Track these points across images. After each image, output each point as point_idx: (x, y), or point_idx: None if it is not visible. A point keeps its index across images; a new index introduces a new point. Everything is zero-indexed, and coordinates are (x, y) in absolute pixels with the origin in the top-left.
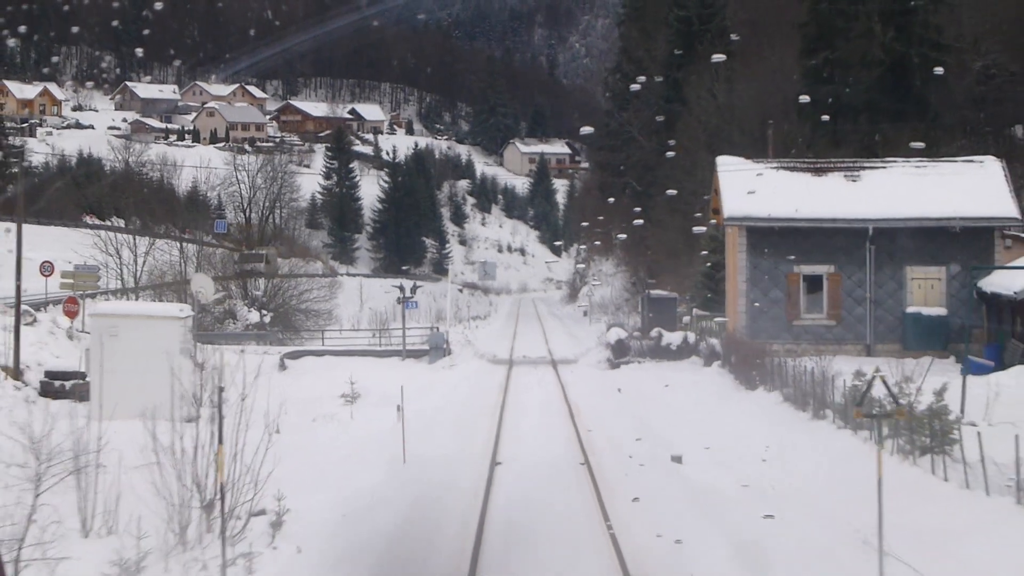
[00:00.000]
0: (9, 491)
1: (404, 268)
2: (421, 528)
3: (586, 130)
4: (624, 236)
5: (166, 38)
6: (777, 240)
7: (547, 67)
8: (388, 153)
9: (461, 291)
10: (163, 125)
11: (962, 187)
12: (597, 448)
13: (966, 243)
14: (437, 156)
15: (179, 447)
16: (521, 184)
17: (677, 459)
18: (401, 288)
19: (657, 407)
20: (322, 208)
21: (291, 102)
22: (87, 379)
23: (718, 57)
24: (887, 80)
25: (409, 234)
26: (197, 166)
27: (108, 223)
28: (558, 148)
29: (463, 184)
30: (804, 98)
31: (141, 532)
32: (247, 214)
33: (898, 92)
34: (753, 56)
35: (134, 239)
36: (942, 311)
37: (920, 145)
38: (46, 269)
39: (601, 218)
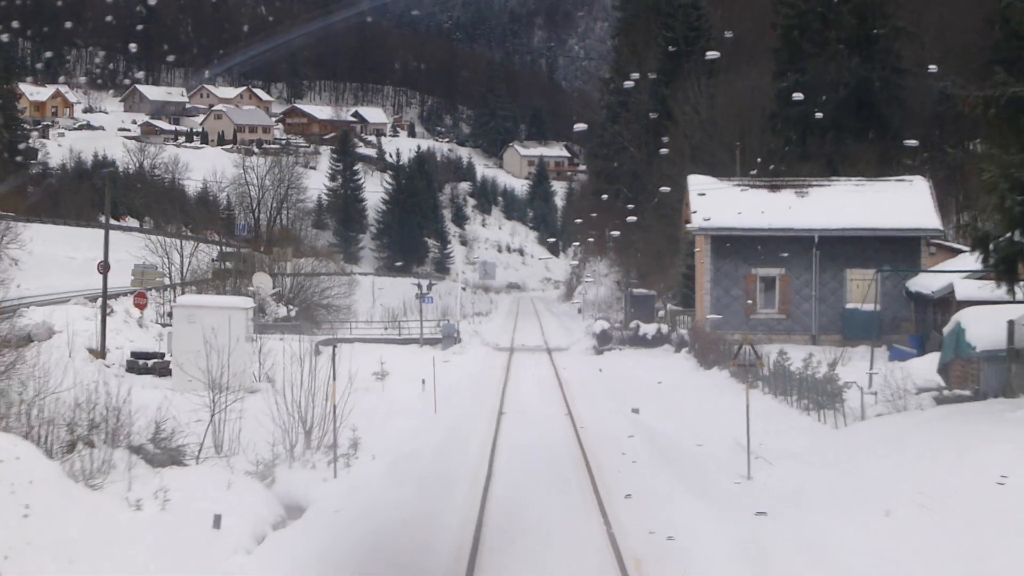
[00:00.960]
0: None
1: (416, 268)
2: (453, 446)
3: (580, 127)
4: (616, 233)
5: (174, 41)
6: (737, 247)
7: (546, 70)
8: (391, 156)
9: (464, 289)
10: (172, 127)
11: (894, 203)
12: (578, 407)
13: (897, 249)
14: (439, 159)
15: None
16: (520, 186)
17: (636, 411)
18: (419, 286)
19: (629, 382)
20: (328, 209)
21: (296, 105)
22: (165, 358)
23: (712, 54)
24: (852, 101)
25: (412, 234)
26: (213, 173)
27: (121, 223)
28: (556, 151)
29: (464, 186)
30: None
31: (257, 452)
32: (256, 214)
33: (862, 112)
34: (733, 76)
35: (181, 243)
36: (876, 307)
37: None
38: (102, 267)
39: (595, 215)
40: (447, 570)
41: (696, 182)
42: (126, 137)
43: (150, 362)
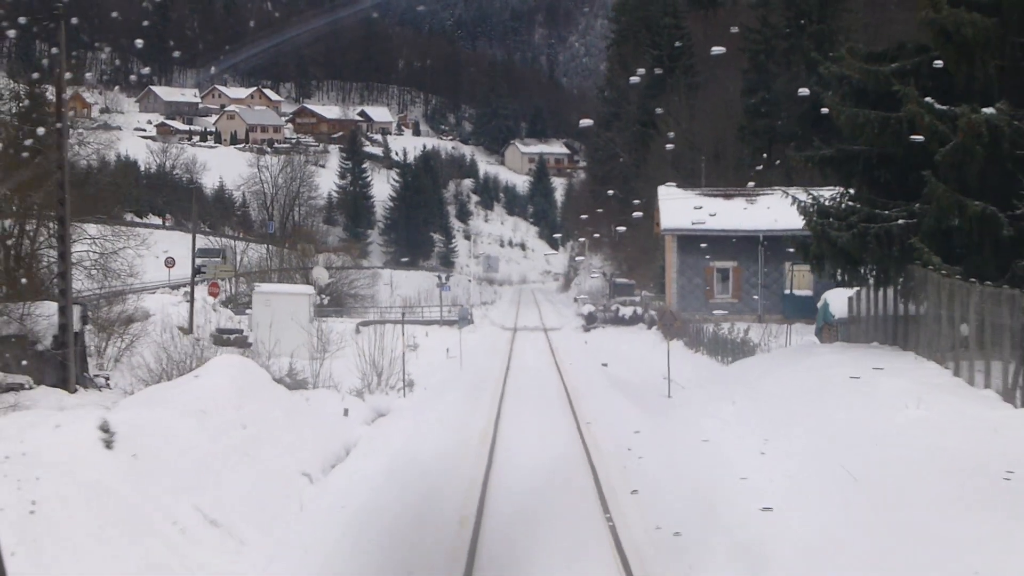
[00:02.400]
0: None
1: (422, 262)
2: (478, 386)
3: (585, 122)
4: (623, 229)
5: (182, 40)
6: (698, 244)
7: (547, 67)
8: (397, 154)
9: (470, 281)
10: (187, 127)
11: None
12: (565, 366)
13: None
14: (443, 157)
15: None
16: (521, 182)
17: (604, 365)
18: (439, 277)
19: (606, 350)
20: (338, 205)
21: (306, 105)
22: (244, 334)
23: (718, 49)
24: (809, 116)
25: (418, 230)
26: (229, 172)
27: (145, 220)
28: (557, 148)
29: (467, 183)
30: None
31: (349, 386)
32: (269, 212)
33: (819, 126)
34: (711, 90)
35: (234, 242)
36: (809, 292)
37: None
38: (169, 262)
39: (589, 215)
40: (487, 418)
41: (665, 192)
42: (142, 137)
43: (232, 336)
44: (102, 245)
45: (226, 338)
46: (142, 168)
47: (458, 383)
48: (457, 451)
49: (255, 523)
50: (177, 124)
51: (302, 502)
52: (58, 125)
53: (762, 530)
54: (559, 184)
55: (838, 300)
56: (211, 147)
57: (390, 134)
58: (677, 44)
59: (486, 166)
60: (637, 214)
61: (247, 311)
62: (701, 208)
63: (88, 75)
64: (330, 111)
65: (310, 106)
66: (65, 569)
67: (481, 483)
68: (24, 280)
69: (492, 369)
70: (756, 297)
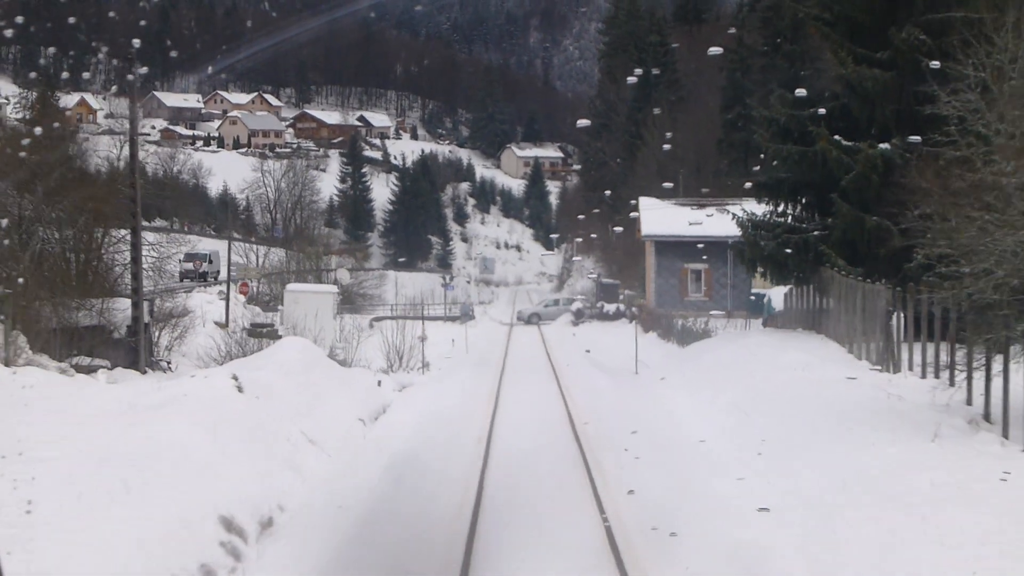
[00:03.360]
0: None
1: (420, 264)
2: (482, 365)
3: (582, 122)
4: (618, 229)
5: (182, 44)
6: (673, 248)
7: (542, 71)
8: (396, 158)
9: (469, 283)
10: (190, 132)
11: None
12: (553, 352)
13: None
14: (440, 160)
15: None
16: (517, 186)
17: (588, 351)
18: (444, 278)
19: (590, 340)
20: (338, 209)
21: (306, 111)
22: (274, 327)
23: (715, 50)
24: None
25: (417, 232)
26: (232, 176)
27: (151, 224)
28: (551, 152)
29: (464, 186)
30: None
31: (376, 366)
32: (273, 215)
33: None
34: (694, 104)
35: (256, 247)
36: (769, 291)
37: None
38: (198, 264)
39: (581, 220)
40: (491, 386)
41: (645, 202)
42: (147, 141)
43: (264, 329)
44: (159, 250)
45: (259, 331)
46: (150, 173)
47: (466, 364)
48: (470, 406)
49: (335, 445)
50: (180, 129)
51: (363, 435)
52: (128, 145)
53: (695, 450)
54: (553, 187)
55: (777, 296)
56: (214, 151)
57: (388, 138)
58: (656, 71)
59: (482, 170)
60: (618, 228)
61: (278, 308)
62: (696, 214)
63: (85, 74)
64: (330, 116)
65: (310, 111)
66: (232, 461)
67: (489, 421)
68: (92, 279)
69: (493, 354)
70: (725, 295)
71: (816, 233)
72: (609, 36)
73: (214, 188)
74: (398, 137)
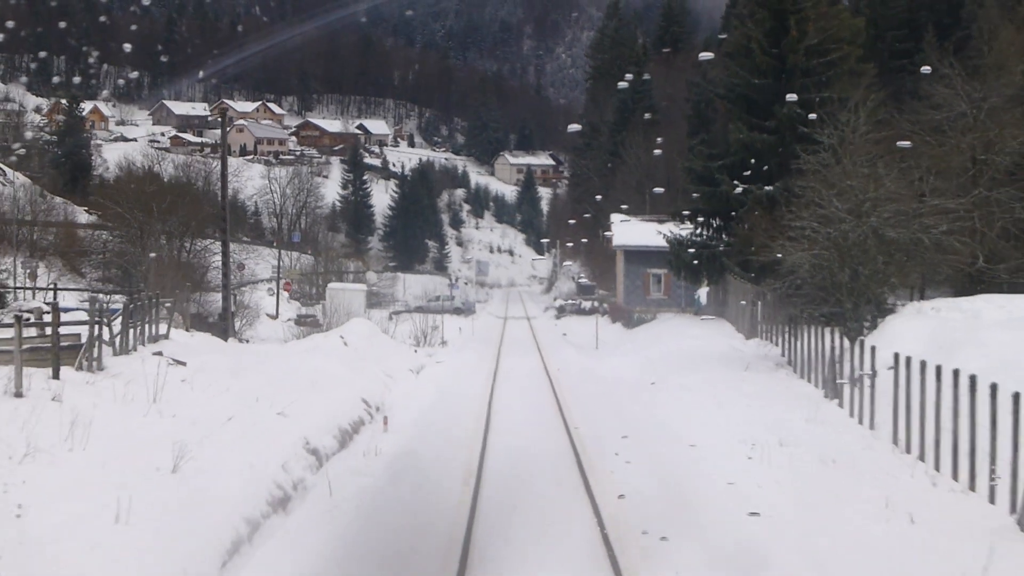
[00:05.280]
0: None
1: (418, 267)
2: (485, 343)
3: (573, 127)
4: (609, 234)
5: (177, 54)
6: (639, 256)
7: (534, 79)
8: (395, 165)
9: (467, 284)
10: (198, 139)
11: None
12: (539, 336)
13: None
14: (437, 168)
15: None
16: (510, 192)
17: (564, 334)
18: (450, 279)
19: (568, 329)
20: (340, 214)
21: (309, 119)
22: (316, 318)
23: (705, 55)
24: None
25: (415, 237)
26: (253, 184)
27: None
28: (543, 160)
29: (460, 193)
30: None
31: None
32: (279, 220)
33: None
34: (667, 128)
35: (279, 251)
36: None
37: None
38: (241, 267)
39: (567, 229)
40: (493, 355)
41: (616, 218)
42: (156, 148)
43: (308, 319)
44: (238, 254)
45: (303, 320)
46: (165, 180)
47: (473, 343)
48: (480, 365)
49: (399, 381)
50: (189, 136)
51: (415, 377)
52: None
53: (620, 383)
54: (545, 193)
55: (703, 294)
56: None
57: (387, 146)
58: (638, 90)
59: (477, 177)
60: (608, 233)
61: (312, 302)
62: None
63: (105, 91)
64: (332, 125)
65: (313, 120)
66: (355, 377)
67: (493, 372)
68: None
69: (492, 337)
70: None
71: (721, 248)
72: (595, 61)
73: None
74: (396, 145)
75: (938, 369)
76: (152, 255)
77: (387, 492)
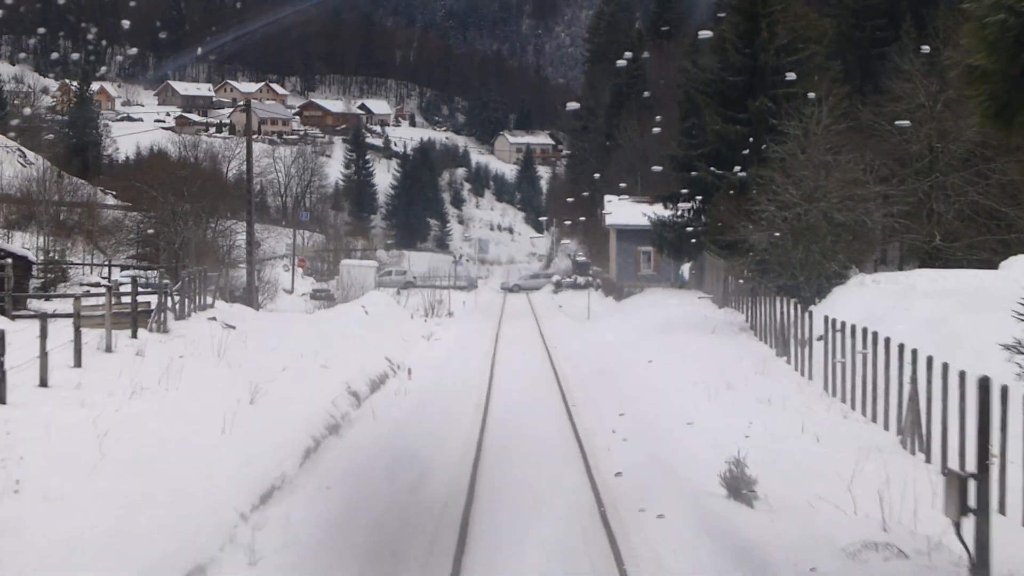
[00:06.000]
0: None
1: (420, 245)
2: (488, 315)
3: (572, 105)
4: (607, 214)
5: (190, 35)
6: (631, 234)
7: (534, 58)
8: (396, 144)
9: (468, 261)
10: (203, 119)
11: None
12: (536, 308)
13: None
14: (437, 147)
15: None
16: (510, 171)
17: (560, 306)
18: (454, 256)
19: (563, 302)
20: (343, 193)
21: (312, 100)
22: (330, 292)
23: (704, 33)
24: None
25: (416, 215)
26: (258, 163)
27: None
28: (542, 139)
29: (460, 172)
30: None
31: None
32: (284, 199)
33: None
34: (661, 112)
35: (294, 231)
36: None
37: None
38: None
39: (566, 208)
40: (495, 322)
41: (609, 199)
42: (163, 128)
43: (323, 293)
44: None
45: (318, 294)
46: (173, 157)
47: (476, 313)
48: (484, 331)
49: (415, 344)
50: (194, 116)
51: (427, 341)
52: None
53: (604, 344)
54: (544, 172)
55: (686, 269)
56: (225, 138)
57: (388, 125)
58: (633, 74)
59: (477, 156)
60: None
61: (324, 278)
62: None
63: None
64: (334, 105)
65: (316, 100)
66: (379, 339)
67: (495, 335)
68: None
69: (494, 309)
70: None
71: (700, 228)
72: (592, 44)
73: (229, 173)
74: (397, 124)
75: (863, 331)
76: (188, 235)
77: (418, 416)
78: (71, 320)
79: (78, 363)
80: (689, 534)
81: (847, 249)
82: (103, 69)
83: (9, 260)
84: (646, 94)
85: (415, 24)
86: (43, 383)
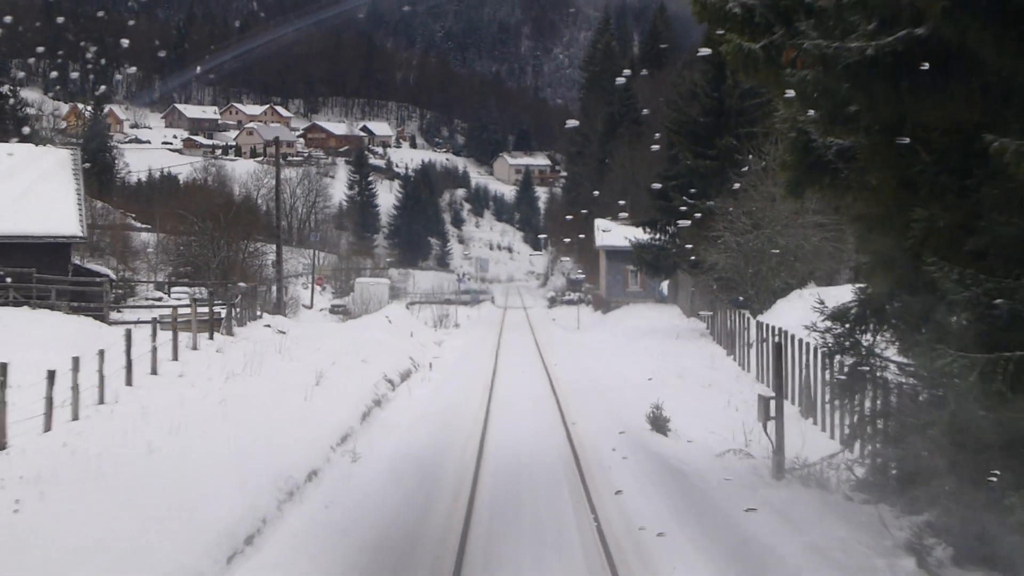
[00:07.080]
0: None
1: (421, 263)
2: (490, 326)
3: (571, 123)
4: (606, 230)
5: (189, 53)
6: (619, 255)
7: (532, 80)
8: (398, 166)
9: (469, 279)
10: (209, 142)
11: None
12: (532, 320)
13: None
14: (438, 168)
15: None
16: (509, 191)
17: (554, 319)
18: (457, 275)
19: (557, 315)
20: (347, 213)
21: (316, 122)
22: (346, 307)
23: (704, 50)
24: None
25: (418, 235)
26: (266, 184)
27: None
28: (540, 160)
29: (460, 192)
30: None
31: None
32: (289, 220)
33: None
34: (649, 139)
35: (314, 252)
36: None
37: None
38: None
39: (561, 229)
40: (496, 333)
41: (599, 223)
42: (170, 150)
43: (339, 308)
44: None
45: (336, 309)
46: (182, 182)
47: (479, 325)
48: (487, 339)
49: (430, 348)
50: (200, 139)
51: (438, 347)
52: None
53: (585, 346)
54: (542, 193)
55: (665, 286)
56: (232, 160)
57: (390, 147)
58: (625, 104)
59: (477, 177)
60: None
61: (338, 295)
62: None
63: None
64: (337, 127)
65: (318, 122)
66: (400, 344)
67: (497, 343)
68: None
69: (495, 321)
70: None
71: (673, 250)
72: (588, 72)
73: (236, 194)
74: (398, 146)
75: (768, 327)
76: (227, 256)
77: (442, 393)
78: (150, 326)
79: (175, 357)
80: (625, 449)
81: (790, 268)
82: (103, 88)
83: (102, 279)
84: (644, 110)
85: (415, 45)
86: (154, 371)
